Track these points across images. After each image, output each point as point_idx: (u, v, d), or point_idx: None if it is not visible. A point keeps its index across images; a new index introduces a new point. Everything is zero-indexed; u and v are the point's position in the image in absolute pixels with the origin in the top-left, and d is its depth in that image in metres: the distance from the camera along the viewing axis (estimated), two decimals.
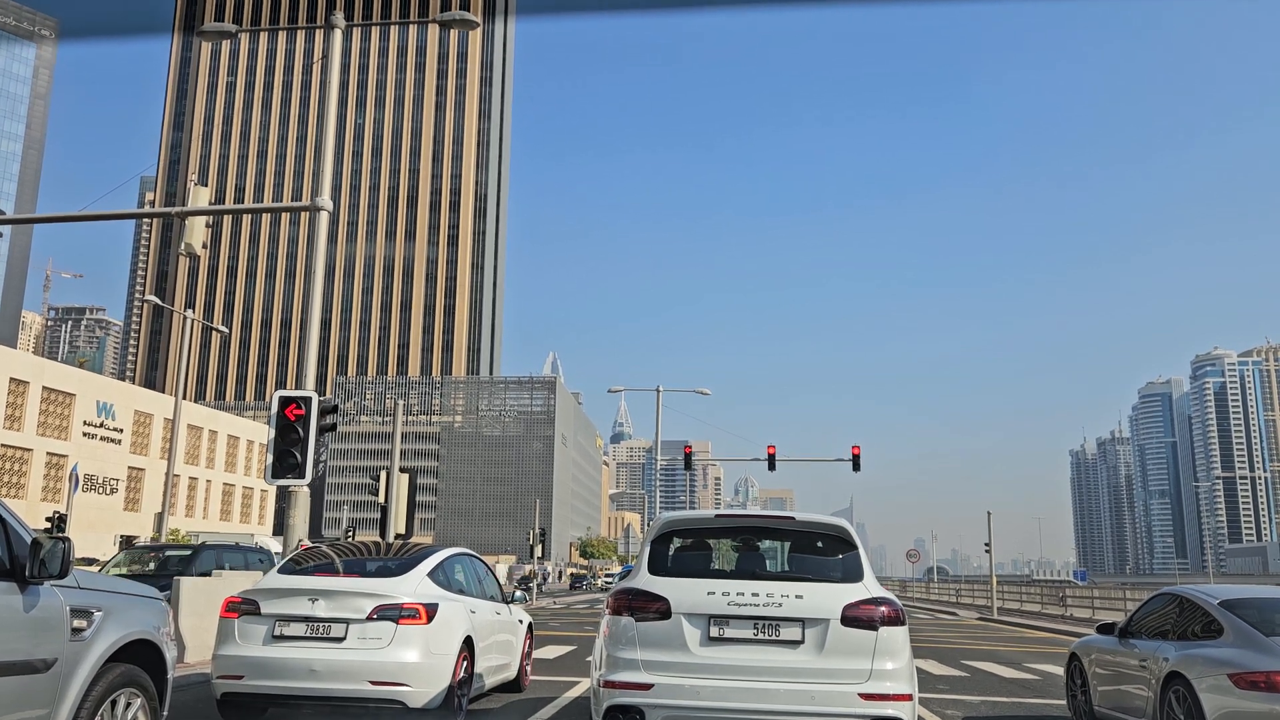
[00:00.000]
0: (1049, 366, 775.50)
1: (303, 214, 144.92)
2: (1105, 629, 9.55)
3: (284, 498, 14.90)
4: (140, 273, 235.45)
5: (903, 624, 6.39)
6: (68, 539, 5.14)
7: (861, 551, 6.78)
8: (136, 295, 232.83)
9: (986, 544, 40.87)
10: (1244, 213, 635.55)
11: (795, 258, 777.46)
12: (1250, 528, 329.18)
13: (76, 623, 5.23)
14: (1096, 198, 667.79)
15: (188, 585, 12.47)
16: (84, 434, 67.86)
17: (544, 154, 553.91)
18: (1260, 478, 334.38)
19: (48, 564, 5.01)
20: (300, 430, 13.66)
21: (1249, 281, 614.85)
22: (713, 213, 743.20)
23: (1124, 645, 8.85)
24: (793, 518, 7.03)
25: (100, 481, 69.42)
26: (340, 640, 8.14)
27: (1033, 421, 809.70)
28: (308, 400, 13.82)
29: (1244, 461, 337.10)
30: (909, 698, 6.23)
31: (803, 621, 6.27)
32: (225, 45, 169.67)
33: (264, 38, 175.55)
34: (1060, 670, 12.73)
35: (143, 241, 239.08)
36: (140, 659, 5.81)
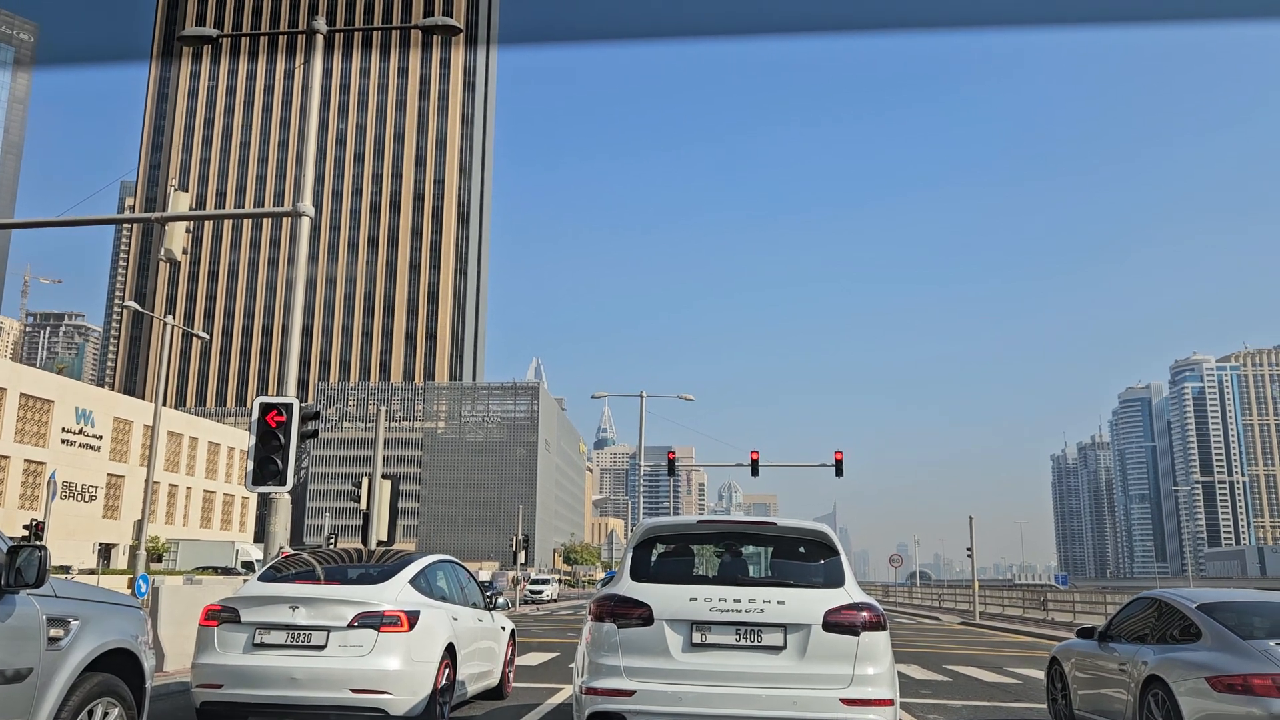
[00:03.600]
0: (1030, 372, 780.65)
1: (284, 219, 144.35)
2: (1085, 633, 9.60)
3: (265, 505, 14.81)
4: (120, 278, 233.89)
5: (884, 629, 6.41)
6: (44, 547, 5.09)
7: (843, 557, 6.80)
8: (116, 301, 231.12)
9: (969, 548, 41.03)
10: (1223, 219, 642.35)
11: (779, 262, 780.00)
12: (1229, 531, 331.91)
13: (53, 632, 5.18)
14: (1076, 204, 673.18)
15: (167, 592, 12.38)
16: (63, 441, 67.26)
17: (527, 160, 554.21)
18: (1238, 482, 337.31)
19: (24, 573, 4.97)
20: (281, 437, 13.58)
21: (1227, 287, 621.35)
22: (695, 218, 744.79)
23: (1104, 649, 8.90)
24: (774, 523, 7.05)
25: (79, 489, 68.80)
26: (321, 648, 8.10)
27: (1014, 426, 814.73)
28: (289, 407, 13.75)
29: (1222, 466, 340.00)
30: (890, 702, 6.25)
31: (784, 627, 6.29)
32: (206, 50, 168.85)
33: (245, 42, 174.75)
34: (1041, 674, 12.80)
35: (123, 247, 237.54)
36: (118, 668, 5.76)
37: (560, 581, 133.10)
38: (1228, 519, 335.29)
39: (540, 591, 57.96)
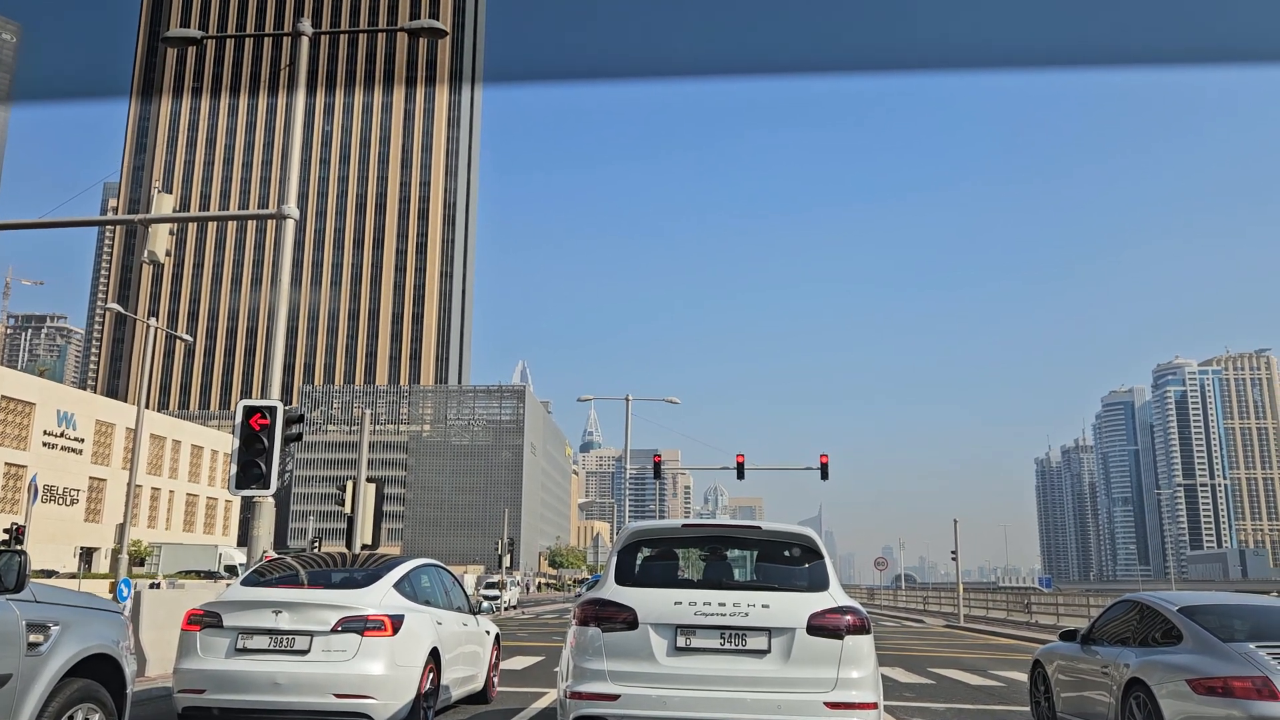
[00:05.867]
0: (1014, 376, 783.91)
1: (269, 221, 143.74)
2: (1068, 636, 9.64)
3: (248, 508, 14.73)
4: (103, 280, 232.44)
5: (868, 632, 6.43)
6: (23, 552, 5.08)
7: (827, 560, 6.82)
8: (99, 303, 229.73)
9: (953, 551, 41.16)
10: (1205, 224, 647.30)
11: (766, 266, 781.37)
12: (1211, 534, 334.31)
13: (32, 637, 5.14)
14: (1060, 209, 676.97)
15: (149, 597, 12.29)
16: (44, 444, 66.76)
17: (513, 164, 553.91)
18: (1220, 485, 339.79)
19: (2, 577, 4.94)
20: (265, 440, 13.52)
21: (1209, 292, 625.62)
22: (683, 222, 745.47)
23: (1086, 652, 8.94)
24: (759, 527, 7.07)
25: (60, 492, 68.29)
26: (304, 653, 8.07)
27: (999, 430, 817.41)
28: (273, 410, 13.68)
29: (1204, 469, 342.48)
30: (874, 706, 6.27)
31: (769, 631, 6.30)
32: (191, 50, 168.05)
33: (230, 43, 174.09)
34: (1025, 677, 12.86)
35: (105, 248, 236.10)
36: (99, 673, 5.72)
37: (548, 585, 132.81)
38: (1210, 522, 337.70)
39: (495, 597, 45.88)
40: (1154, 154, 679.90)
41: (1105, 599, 29.60)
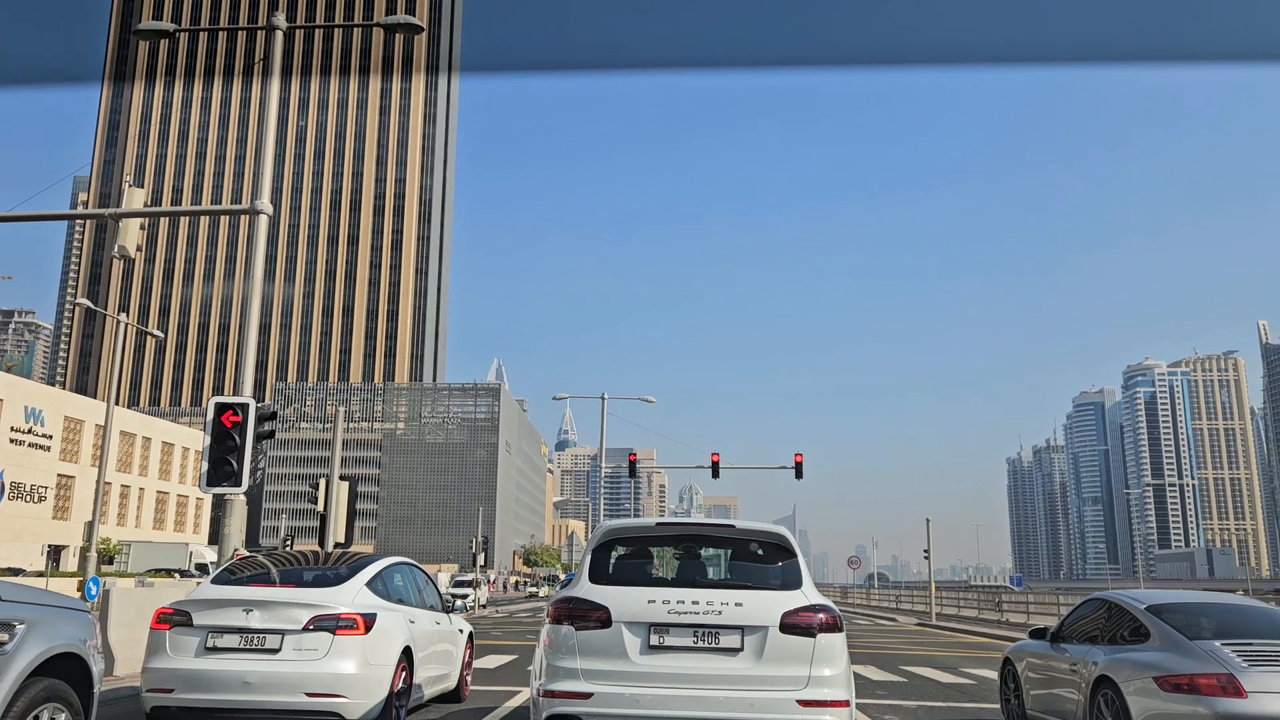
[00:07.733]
0: (987, 377, 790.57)
1: (242, 216, 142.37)
2: (1038, 634, 9.72)
3: (219, 506, 14.60)
4: (72, 275, 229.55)
5: (840, 631, 6.46)
6: None
7: (800, 559, 6.84)
8: (68, 298, 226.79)
9: (926, 551, 41.47)
10: (1176, 226, 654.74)
11: (743, 265, 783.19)
12: (1179, 534, 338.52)
13: None
14: (1033, 211, 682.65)
15: (117, 595, 12.16)
16: (11, 440, 65.87)
17: (490, 164, 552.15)
18: (1188, 485, 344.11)
19: None
20: (237, 437, 13.39)
21: (1178, 294, 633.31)
22: (658, 222, 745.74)
23: (1055, 650, 9.03)
24: (733, 526, 7.07)
25: (28, 489, 67.41)
26: (275, 652, 8.01)
27: (972, 430, 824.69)
28: (245, 407, 13.56)
29: (1173, 469, 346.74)
30: (846, 704, 6.30)
31: (742, 629, 6.31)
32: (164, 43, 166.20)
33: (204, 36, 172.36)
34: (995, 675, 12.97)
35: (75, 243, 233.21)
36: (65, 673, 5.65)
37: (524, 583, 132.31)
38: (1178, 521, 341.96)
39: (464, 595, 42.99)
40: (1125, 155, 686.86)
41: (1075, 597, 29.89)
